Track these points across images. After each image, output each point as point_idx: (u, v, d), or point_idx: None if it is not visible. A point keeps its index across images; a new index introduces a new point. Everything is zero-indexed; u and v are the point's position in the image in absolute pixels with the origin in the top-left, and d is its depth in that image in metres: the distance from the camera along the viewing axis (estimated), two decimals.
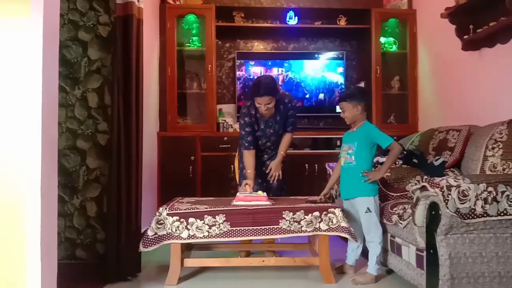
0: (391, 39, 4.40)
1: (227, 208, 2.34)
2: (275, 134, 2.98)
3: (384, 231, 2.53)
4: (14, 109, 1.79)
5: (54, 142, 2.00)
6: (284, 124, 2.97)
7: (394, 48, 4.40)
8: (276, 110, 2.90)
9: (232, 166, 3.86)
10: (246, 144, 2.88)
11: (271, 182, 2.92)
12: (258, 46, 4.62)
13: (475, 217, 1.87)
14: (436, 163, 2.73)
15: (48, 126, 1.91)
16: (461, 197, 1.85)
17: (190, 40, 4.27)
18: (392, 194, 2.63)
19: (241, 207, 2.36)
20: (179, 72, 4.22)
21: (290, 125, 2.99)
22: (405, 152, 3.00)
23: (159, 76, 4.13)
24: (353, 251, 2.57)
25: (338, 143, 3.88)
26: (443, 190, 1.86)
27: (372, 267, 2.42)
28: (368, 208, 2.42)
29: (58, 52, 2.01)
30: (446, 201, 1.85)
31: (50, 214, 1.95)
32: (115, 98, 2.63)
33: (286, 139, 2.99)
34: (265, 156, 3.06)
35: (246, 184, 2.73)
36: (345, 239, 2.52)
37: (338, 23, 4.38)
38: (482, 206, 1.86)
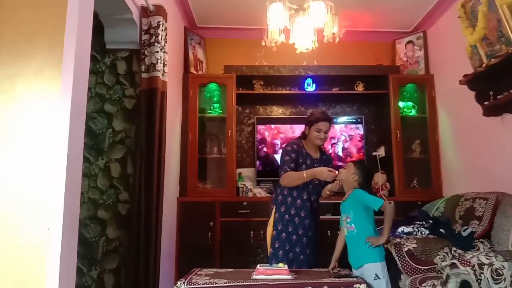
0: (410, 103, 4.42)
1: (246, 283, 2.25)
2: (320, 181, 2.82)
3: None
4: (39, 179, 1.83)
5: (76, 213, 2.02)
6: None
7: (413, 112, 4.41)
8: (321, 156, 2.97)
9: (251, 232, 3.82)
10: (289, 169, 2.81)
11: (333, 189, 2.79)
12: (277, 111, 4.71)
13: None
14: (464, 234, 2.62)
15: (71, 197, 1.94)
16: (495, 277, 1.75)
17: (212, 107, 4.39)
18: (420, 267, 2.52)
19: (262, 282, 2.27)
20: (200, 137, 4.29)
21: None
22: (431, 221, 2.90)
23: (181, 141, 4.21)
24: None
25: None
26: (474, 268, 1.77)
27: None
28: (376, 275, 2.36)
29: (84, 125, 2.09)
30: (479, 280, 1.75)
31: (68, 286, 1.92)
32: (137, 168, 2.68)
33: None
34: (306, 219, 2.83)
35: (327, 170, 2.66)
36: None
37: (356, 88, 4.45)
38: None
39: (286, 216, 2.83)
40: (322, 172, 2.68)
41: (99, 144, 2.81)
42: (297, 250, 2.79)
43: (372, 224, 2.51)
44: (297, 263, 2.74)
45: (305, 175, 2.75)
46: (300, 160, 2.85)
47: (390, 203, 2.60)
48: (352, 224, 2.49)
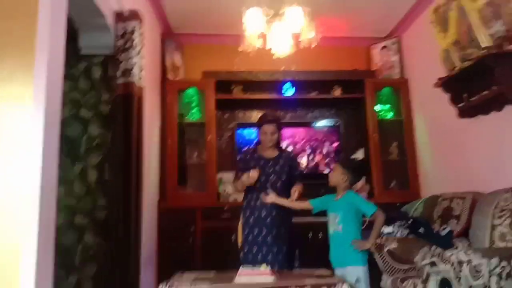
0: (387, 106, 4.50)
1: (229, 285, 2.23)
2: (278, 178, 2.93)
3: None
4: (12, 186, 1.78)
5: (52, 220, 1.96)
6: (287, 173, 2.97)
7: (390, 115, 4.49)
8: (280, 154, 3.02)
9: (234, 234, 3.78)
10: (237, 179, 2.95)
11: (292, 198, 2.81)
12: (257, 116, 4.68)
13: None
14: (443, 233, 2.67)
15: (46, 204, 1.88)
16: (473, 274, 1.78)
17: (190, 112, 4.36)
18: (401, 267, 2.54)
19: (244, 285, 2.25)
20: (180, 143, 4.25)
21: (297, 177, 3.03)
22: (410, 222, 2.94)
23: (160, 147, 4.16)
24: None
25: None
26: (454, 266, 1.79)
27: None
28: (357, 278, 2.41)
29: (58, 130, 2.04)
30: (458, 277, 1.78)
31: None
32: (115, 174, 2.63)
33: (297, 184, 2.93)
34: (267, 218, 2.89)
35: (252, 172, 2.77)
36: None
37: (333, 93, 4.50)
38: (497, 282, 1.78)
39: (251, 219, 2.93)
40: (245, 177, 2.82)
41: (75, 150, 2.74)
42: (264, 251, 2.85)
43: (359, 227, 2.56)
44: (266, 263, 2.73)
45: (235, 184, 3.03)
46: (252, 165, 2.97)
47: None
48: (340, 225, 2.51)
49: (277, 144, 3.07)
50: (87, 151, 2.76)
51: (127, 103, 2.68)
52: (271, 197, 2.79)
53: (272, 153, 3.04)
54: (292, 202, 2.77)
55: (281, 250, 2.86)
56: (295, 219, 3.90)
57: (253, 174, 2.81)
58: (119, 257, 2.56)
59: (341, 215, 2.54)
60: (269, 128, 2.97)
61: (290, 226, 2.98)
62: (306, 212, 4.01)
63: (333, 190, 2.75)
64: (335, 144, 4.48)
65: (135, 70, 2.76)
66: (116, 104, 2.70)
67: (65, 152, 2.72)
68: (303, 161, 4.45)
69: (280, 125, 3.03)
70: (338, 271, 2.51)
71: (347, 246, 2.47)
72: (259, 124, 3.03)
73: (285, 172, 2.98)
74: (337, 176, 2.63)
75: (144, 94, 2.94)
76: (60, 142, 2.11)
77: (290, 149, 4.27)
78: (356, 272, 2.43)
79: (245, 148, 3.13)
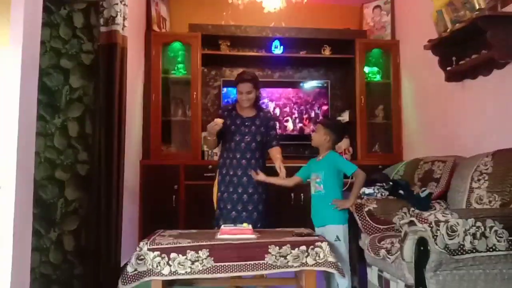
0: (375, 69, 4.46)
1: (210, 243, 2.25)
2: (252, 139, 2.93)
3: (371, 265, 2.49)
4: None
5: (30, 172, 1.92)
6: (263, 133, 2.96)
7: (378, 78, 4.46)
8: (257, 114, 3.00)
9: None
10: None
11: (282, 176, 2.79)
12: None
13: (464, 253, 1.83)
14: (423, 195, 2.71)
15: (24, 156, 1.84)
16: (449, 233, 1.82)
17: (176, 68, 4.26)
18: (379, 226, 2.60)
19: (226, 242, 2.28)
20: (164, 99, 4.18)
21: (274, 139, 3.02)
22: (390, 183, 2.98)
23: (143, 103, 4.08)
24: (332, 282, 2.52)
25: None
26: (431, 225, 1.83)
27: None
28: (337, 237, 2.46)
29: (37, 79, 1.96)
30: (435, 236, 1.82)
31: (24, 249, 1.86)
32: (97, 127, 2.57)
33: (276, 150, 2.96)
34: (243, 177, 2.90)
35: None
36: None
37: (323, 53, 4.43)
38: (471, 242, 1.83)
39: (227, 177, 2.94)
40: (209, 125, 2.82)
41: (55, 101, 2.64)
42: (239, 208, 2.88)
43: (340, 187, 2.57)
44: (240, 221, 2.78)
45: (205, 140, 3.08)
46: (228, 122, 2.96)
47: None
48: (321, 185, 2.53)
49: (255, 104, 3.02)
50: (67, 103, 2.67)
51: (110, 53, 2.59)
52: (261, 176, 2.77)
53: (249, 113, 3.01)
54: (282, 180, 2.75)
55: (256, 209, 2.89)
56: None
57: (217, 121, 2.80)
58: (101, 212, 2.55)
59: (322, 175, 2.55)
60: (244, 87, 2.91)
61: (266, 185, 2.95)
62: (288, 173, 4.08)
63: (316, 151, 2.75)
64: (323, 105, 4.46)
65: (119, 18, 2.64)
66: (99, 54, 2.60)
67: (45, 104, 2.63)
68: (290, 122, 4.44)
69: (257, 84, 2.97)
70: (319, 230, 2.56)
71: (327, 205, 2.50)
72: (235, 83, 2.98)
73: (261, 133, 2.96)
74: (319, 136, 2.62)
75: (128, 45, 2.83)
76: (39, 92, 2.04)
77: (270, 109, 4.23)
78: (336, 231, 2.47)
79: (224, 105, 3.08)
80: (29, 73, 1.90)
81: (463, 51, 3.05)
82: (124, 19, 2.73)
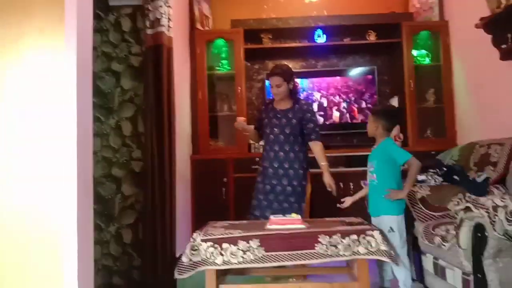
0: (424, 51, 4.29)
1: (261, 233, 2.30)
2: (281, 131, 2.94)
3: (425, 253, 2.43)
4: (50, 140, 1.85)
5: (89, 171, 2.04)
6: (294, 127, 2.94)
7: (427, 61, 4.29)
8: (292, 106, 2.99)
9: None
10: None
11: (333, 193, 2.89)
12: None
13: None
14: (479, 180, 2.59)
15: (83, 155, 1.96)
16: (509, 218, 1.74)
17: (220, 64, 4.33)
18: (433, 214, 2.53)
19: (275, 231, 2.32)
20: (210, 96, 4.27)
21: (313, 132, 2.97)
22: (444, 169, 2.88)
23: (191, 100, 4.20)
24: (385, 273, 2.47)
25: None
26: (489, 211, 1.76)
27: None
28: (391, 228, 2.39)
29: (91, 83, 2.07)
30: (493, 222, 1.75)
31: (87, 242, 1.98)
32: (148, 126, 2.68)
33: (317, 148, 2.96)
34: (279, 169, 2.94)
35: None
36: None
37: (368, 38, 4.32)
38: None
39: (263, 169, 3.01)
40: (235, 124, 3.17)
41: (109, 103, 2.81)
42: (271, 199, 2.93)
43: (395, 176, 2.48)
44: (271, 212, 2.81)
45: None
46: (263, 115, 3.07)
47: None
48: (374, 174, 2.48)
49: (292, 96, 3.02)
50: (120, 104, 2.82)
51: (157, 54, 2.68)
52: (347, 203, 2.71)
53: (284, 105, 3.02)
54: (364, 190, 2.68)
55: (287, 201, 2.91)
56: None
57: (239, 119, 3.03)
58: (156, 206, 2.66)
59: (375, 164, 2.49)
60: (274, 80, 2.94)
61: (305, 178, 2.97)
62: (337, 162, 4.05)
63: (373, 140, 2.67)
64: (370, 93, 4.36)
65: (164, 20, 2.74)
66: (147, 56, 2.71)
67: (99, 106, 2.79)
68: (336, 111, 4.38)
69: (288, 77, 2.96)
70: (374, 220, 2.51)
71: (381, 195, 2.44)
72: (267, 76, 3.03)
73: (292, 125, 2.94)
74: (370, 125, 2.58)
75: (174, 45, 2.92)
76: (94, 95, 2.16)
77: (308, 100, 4.11)
78: (390, 221, 2.41)
79: (267, 99, 3.14)
80: (84, 77, 2.01)
81: None
82: (169, 20, 2.82)
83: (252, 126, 3.18)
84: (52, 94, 1.86)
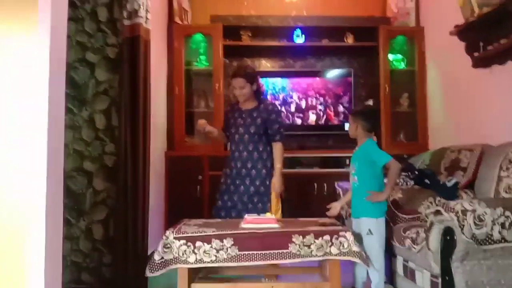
0: (399, 56, 4.37)
1: (235, 232, 2.28)
2: (246, 131, 2.93)
3: (396, 255, 2.47)
4: (19, 130, 1.78)
5: (60, 164, 1.98)
6: (259, 126, 2.92)
7: (402, 65, 4.37)
8: (257, 106, 2.97)
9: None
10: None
11: (276, 196, 2.87)
12: (266, 65, 4.61)
13: (492, 243, 1.81)
14: (449, 184, 2.66)
15: (54, 148, 1.89)
16: (477, 222, 1.79)
17: (198, 59, 4.29)
18: (404, 216, 2.58)
19: (250, 231, 2.31)
20: (187, 91, 4.22)
21: (276, 132, 2.93)
22: (416, 172, 2.94)
23: (167, 94, 4.14)
24: (359, 274, 2.50)
25: (347, 161, 3.82)
26: (458, 214, 1.80)
27: None
28: (369, 230, 2.38)
29: (64, 72, 2.00)
30: (462, 226, 1.79)
31: (56, 238, 1.92)
32: (122, 120, 2.62)
33: (277, 150, 2.93)
34: (241, 169, 2.93)
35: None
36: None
37: (346, 40, 4.37)
38: (499, 232, 1.80)
39: (227, 169, 3.00)
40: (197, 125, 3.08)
41: (82, 94, 2.72)
42: (235, 199, 2.91)
43: (376, 178, 2.44)
44: (235, 213, 2.85)
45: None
46: (229, 116, 3.07)
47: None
48: (355, 176, 2.47)
49: (256, 96, 3.00)
50: (94, 96, 2.73)
51: (134, 46, 2.62)
52: (335, 209, 2.62)
53: (249, 105, 3.00)
54: (348, 195, 2.62)
55: (251, 202, 2.90)
56: (301, 170, 3.97)
57: (200, 122, 2.98)
58: (129, 202, 2.61)
59: (356, 166, 2.48)
60: (235, 82, 2.92)
61: (269, 179, 2.93)
62: (311, 163, 4.08)
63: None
64: (346, 95, 4.41)
65: (142, 11, 2.67)
66: (123, 47, 2.64)
67: (72, 97, 2.70)
68: (312, 112, 4.41)
69: (251, 78, 2.94)
70: (354, 222, 2.51)
71: (361, 197, 2.41)
72: (230, 78, 3.00)
73: (257, 124, 2.92)
74: (350, 126, 2.57)
75: (151, 38, 2.87)
76: (67, 86, 2.09)
77: (272, 100, 4.17)
78: (368, 224, 2.38)
79: (232, 101, 3.13)
80: (57, 67, 1.94)
81: (491, 36, 2.96)
82: (147, 12, 2.75)
83: (215, 129, 3.11)
84: (23, 83, 1.78)
